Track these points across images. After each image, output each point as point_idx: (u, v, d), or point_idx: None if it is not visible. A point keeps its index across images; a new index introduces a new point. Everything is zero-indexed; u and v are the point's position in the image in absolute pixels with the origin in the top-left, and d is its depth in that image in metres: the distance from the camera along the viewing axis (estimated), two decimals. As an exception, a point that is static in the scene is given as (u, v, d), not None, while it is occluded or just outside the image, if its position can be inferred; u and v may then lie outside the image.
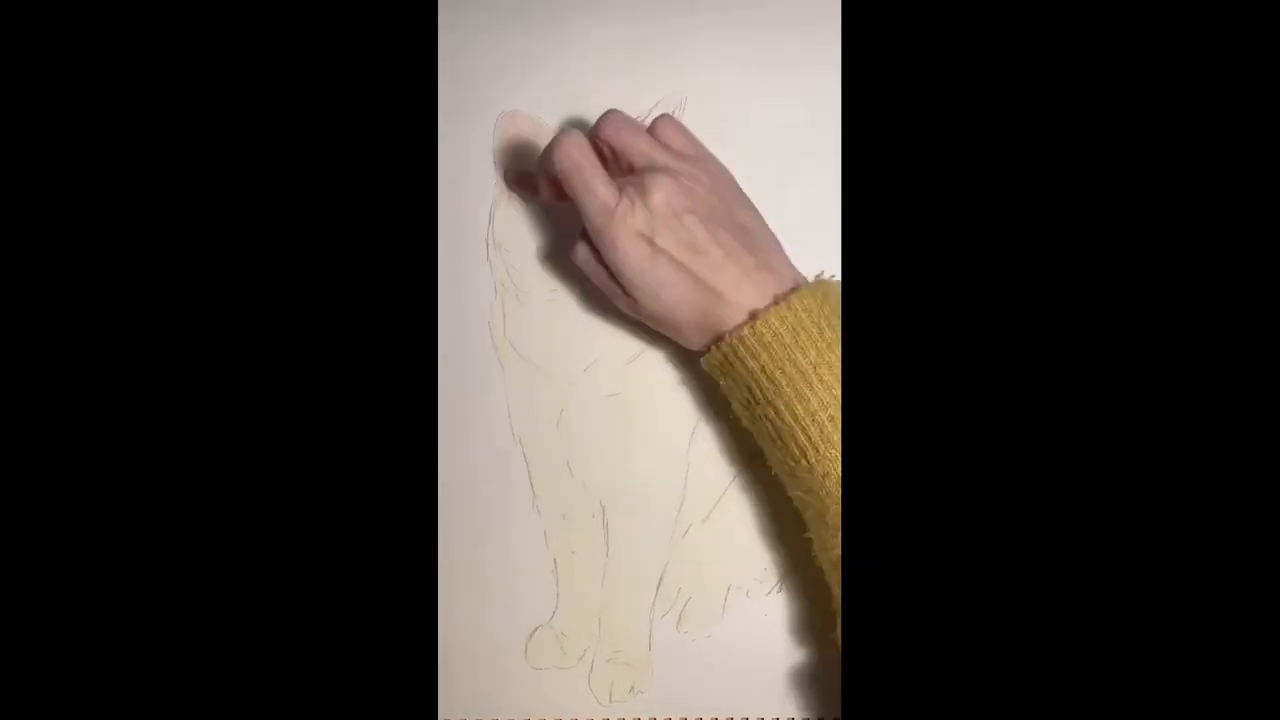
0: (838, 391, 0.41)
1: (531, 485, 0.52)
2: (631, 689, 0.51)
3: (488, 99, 0.53)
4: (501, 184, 0.53)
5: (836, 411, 0.41)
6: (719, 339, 0.44)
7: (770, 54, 0.53)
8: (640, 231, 0.43)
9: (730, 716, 0.51)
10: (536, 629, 0.52)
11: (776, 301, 0.43)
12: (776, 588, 0.51)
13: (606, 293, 0.47)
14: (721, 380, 0.45)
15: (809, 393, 0.41)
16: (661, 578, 0.52)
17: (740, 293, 0.43)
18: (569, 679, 0.52)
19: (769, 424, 0.43)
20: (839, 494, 0.40)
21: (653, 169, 0.45)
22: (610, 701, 0.51)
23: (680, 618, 0.52)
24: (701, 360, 0.45)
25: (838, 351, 0.41)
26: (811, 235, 0.49)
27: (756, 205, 0.47)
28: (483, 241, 0.53)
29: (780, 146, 0.51)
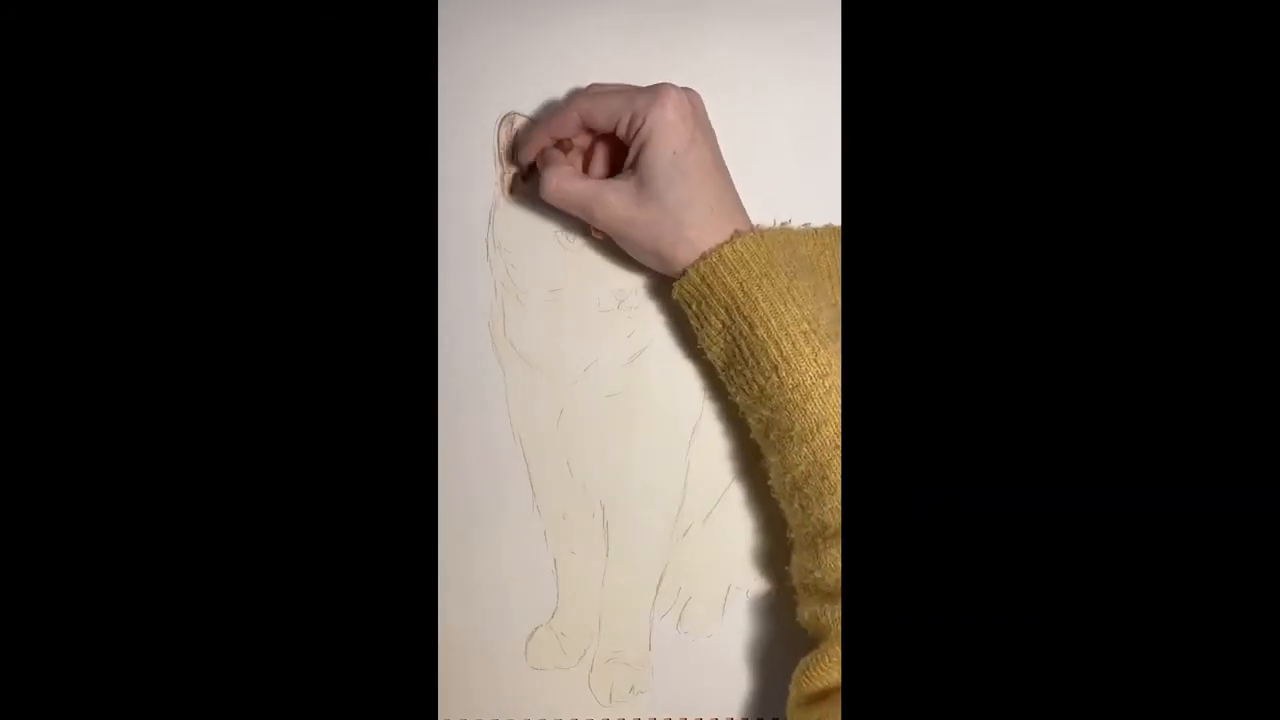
0: (809, 309, 0.44)
1: (531, 485, 0.52)
2: (631, 689, 0.51)
3: (488, 99, 0.53)
4: (502, 184, 0.53)
5: (807, 326, 0.43)
6: (703, 256, 0.45)
7: (771, 54, 0.53)
8: (684, 115, 0.45)
9: (730, 716, 0.51)
10: (536, 629, 0.52)
11: (754, 229, 0.46)
12: (776, 588, 0.51)
13: (585, 206, 0.47)
14: (697, 305, 0.47)
15: (783, 309, 0.44)
16: (661, 578, 0.52)
17: (727, 218, 0.46)
18: (569, 679, 0.52)
19: (744, 341, 0.45)
20: (807, 405, 0.43)
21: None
22: (610, 701, 0.51)
23: (680, 618, 0.52)
24: (683, 279, 0.47)
25: (805, 279, 0.45)
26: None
27: (757, 197, 0.48)
28: (483, 241, 0.53)
29: (780, 145, 0.51)
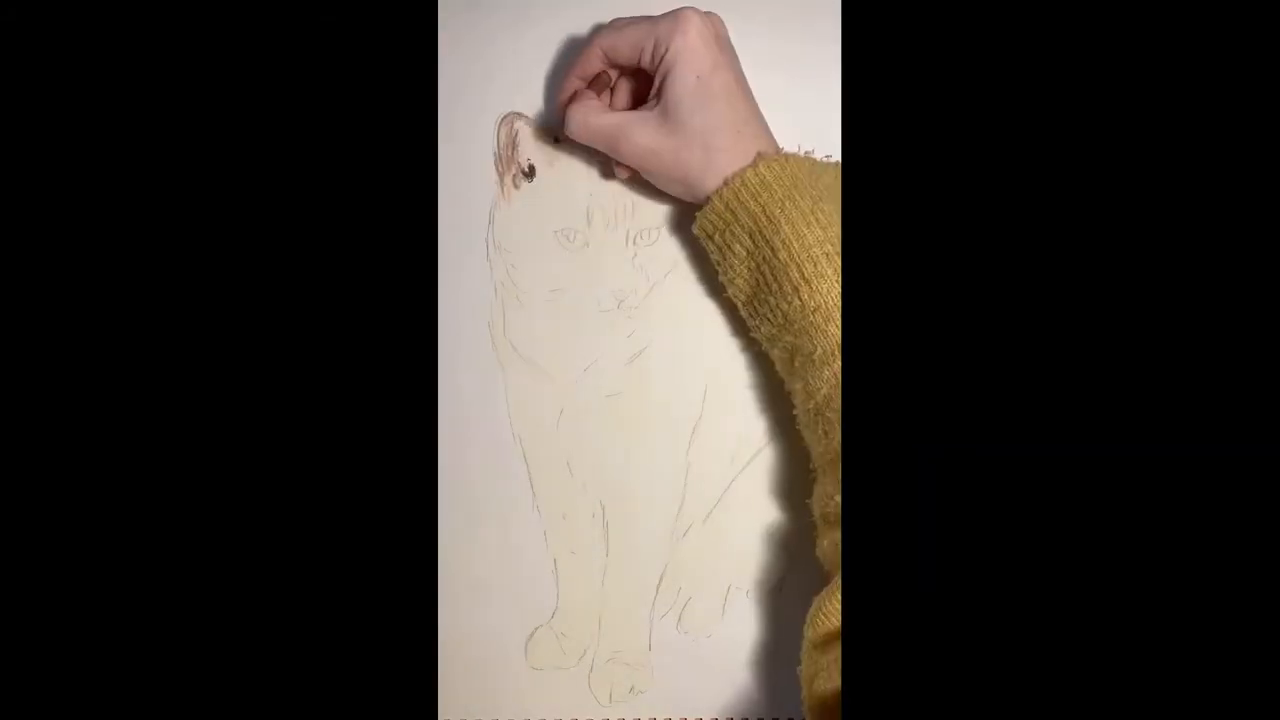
0: (833, 231, 0.43)
1: (531, 485, 0.52)
2: (631, 689, 0.51)
3: (488, 99, 0.53)
4: (501, 184, 0.53)
5: (830, 248, 0.43)
6: (726, 182, 0.45)
7: (770, 53, 0.53)
8: (707, 40, 0.45)
9: (730, 717, 0.51)
10: (536, 629, 0.52)
11: (778, 153, 0.46)
12: (776, 588, 0.51)
13: (611, 139, 0.47)
14: (720, 235, 0.46)
15: (806, 230, 0.43)
16: (661, 578, 0.52)
17: (753, 140, 0.46)
18: (569, 679, 0.52)
19: (767, 266, 0.44)
20: (829, 328, 0.43)
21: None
22: (610, 701, 0.51)
23: (680, 618, 0.52)
24: (706, 207, 0.46)
25: (830, 203, 0.44)
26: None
27: None
28: (483, 241, 0.53)
29: (780, 145, 0.51)
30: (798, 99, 0.52)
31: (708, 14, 0.46)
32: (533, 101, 0.53)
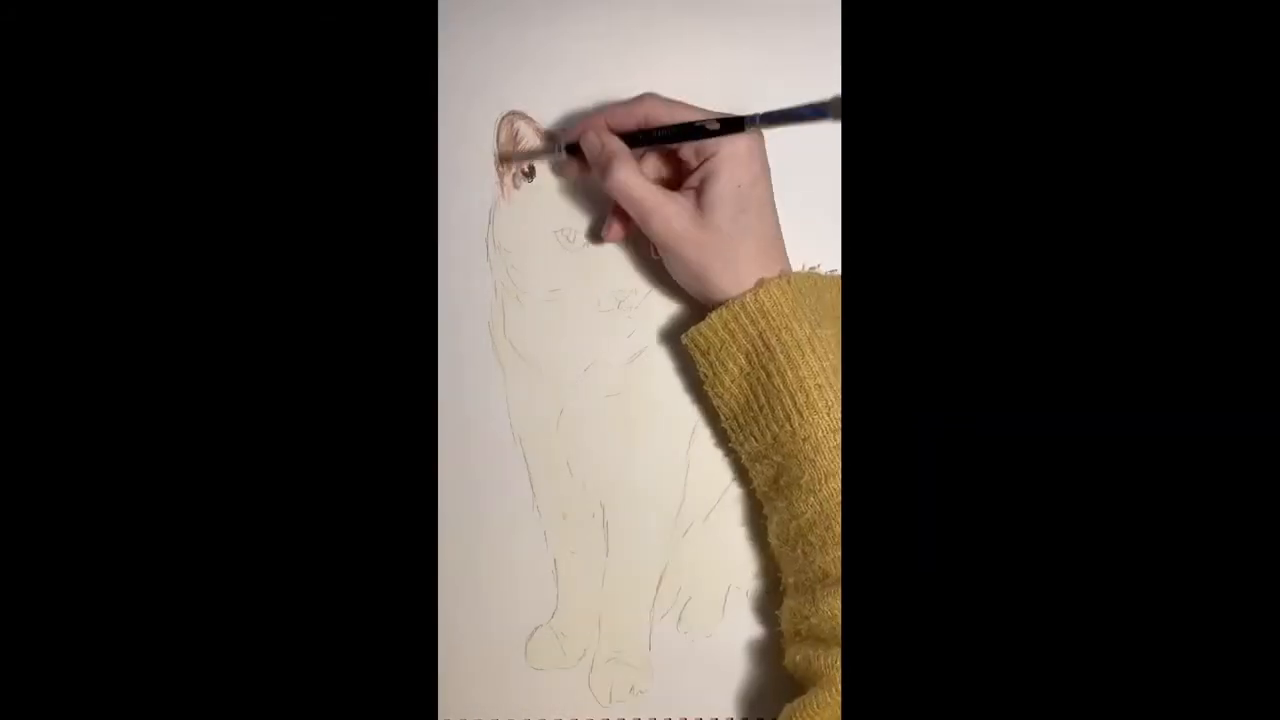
0: (829, 361, 0.45)
1: (531, 485, 0.52)
2: (631, 689, 0.51)
3: (488, 99, 0.53)
4: (502, 184, 0.53)
5: (824, 379, 0.45)
6: (726, 304, 0.47)
7: (770, 52, 0.53)
8: (754, 151, 0.47)
9: (730, 716, 0.51)
10: (536, 629, 0.52)
11: (781, 275, 0.47)
12: (776, 587, 0.51)
13: (646, 211, 0.46)
14: (715, 352, 0.47)
15: (800, 360, 0.45)
16: (661, 578, 0.52)
17: (773, 260, 0.48)
18: (569, 679, 0.52)
19: (761, 388, 0.46)
20: (817, 459, 0.44)
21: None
22: (610, 701, 0.51)
23: (680, 618, 0.52)
24: (703, 325, 0.48)
25: (830, 326, 0.46)
26: (811, 229, 0.49)
27: None
28: (483, 241, 0.53)
29: (779, 144, 0.51)
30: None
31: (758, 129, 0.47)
32: (533, 101, 0.53)
